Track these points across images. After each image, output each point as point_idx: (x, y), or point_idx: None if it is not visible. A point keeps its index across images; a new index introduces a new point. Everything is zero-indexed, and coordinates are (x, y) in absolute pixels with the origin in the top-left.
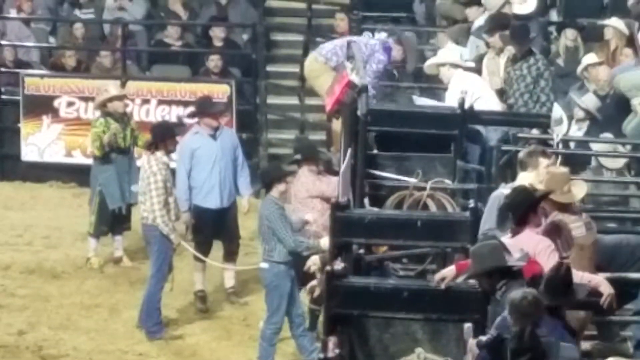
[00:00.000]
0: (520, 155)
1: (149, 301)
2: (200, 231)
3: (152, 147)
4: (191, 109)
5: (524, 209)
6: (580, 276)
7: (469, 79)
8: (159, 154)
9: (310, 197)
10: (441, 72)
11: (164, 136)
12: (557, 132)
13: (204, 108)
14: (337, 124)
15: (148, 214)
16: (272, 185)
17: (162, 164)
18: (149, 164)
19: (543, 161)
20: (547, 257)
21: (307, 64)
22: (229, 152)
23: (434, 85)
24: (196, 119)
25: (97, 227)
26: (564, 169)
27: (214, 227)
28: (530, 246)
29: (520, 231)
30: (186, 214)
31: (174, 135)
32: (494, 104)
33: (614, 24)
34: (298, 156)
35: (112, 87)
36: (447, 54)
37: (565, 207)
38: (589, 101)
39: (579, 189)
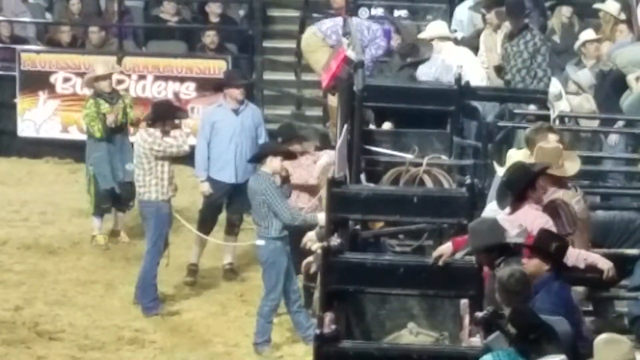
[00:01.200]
0: (527, 132)
1: (145, 277)
2: (209, 204)
3: (149, 121)
4: (189, 84)
5: (522, 186)
6: (577, 254)
7: (457, 51)
8: (154, 130)
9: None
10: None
11: (164, 116)
12: (557, 108)
13: (231, 80)
14: (332, 100)
15: (144, 190)
16: (265, 157)
17: (155, 137)
18: (143, 139)
19: (552, 137)
20: None
21: (304, 37)
22: (249, 129)
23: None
24: (223, 92)
25: (98, 207)
26: (555, 144)
27: (223, 202)
28: (527, 222)
29: (519, 207)
30: (205, 183)
31: (173, 117)
32: (477, 78)
33: (608, 8)
34: (279, 139)
35: (99, 66)
36: (436, 27)
37: (560, 182)
38: (583, 76)
39: (573, 163)
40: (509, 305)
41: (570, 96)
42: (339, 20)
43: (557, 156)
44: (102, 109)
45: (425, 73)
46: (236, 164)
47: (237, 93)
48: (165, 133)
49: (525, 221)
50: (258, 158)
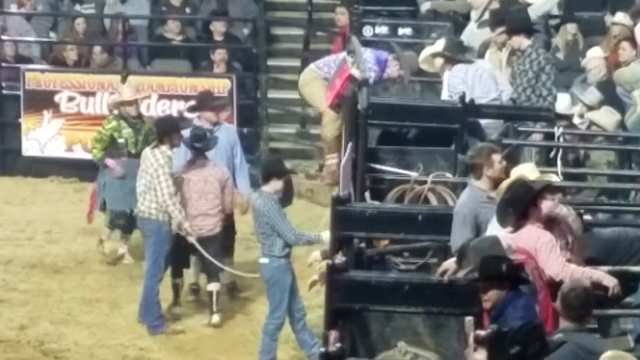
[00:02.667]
0: (468, 158)
1: (147, 295)
2: None
3: (156, 141)
4: (192, 103)
5: (524, 204)
6: (581, 271)
7: (461, 68)
8: (164, 147)
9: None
10: (435, 63)
11: (169, 130)
12: (574, 112)
13: (205, 102)
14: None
15: (145, 207)
16: (270, 179)
17: (168, 157)
18: (155, 158)
19: (496, 157)
20: (548, 252)
21: (301, 75)
22: (224, 149)
23: (434, 80)
24: (197, 113)
25: (112, 222)
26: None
27: None
28: (530, 241)
29: (521, 226)
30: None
31: (179, 129)
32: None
33: (621, 20)
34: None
35: (125, 90)
36: (439, 45)
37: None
38: (590, 95)
39: (551, 177)
40: (564, 318)
41: (591, 112)
42: (333, 56)
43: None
44: (124, 133)
45: (457, 76)
46: None
47: (211, 115)
48: (175, 146)
49: (528, 240)
50: (263, 179)
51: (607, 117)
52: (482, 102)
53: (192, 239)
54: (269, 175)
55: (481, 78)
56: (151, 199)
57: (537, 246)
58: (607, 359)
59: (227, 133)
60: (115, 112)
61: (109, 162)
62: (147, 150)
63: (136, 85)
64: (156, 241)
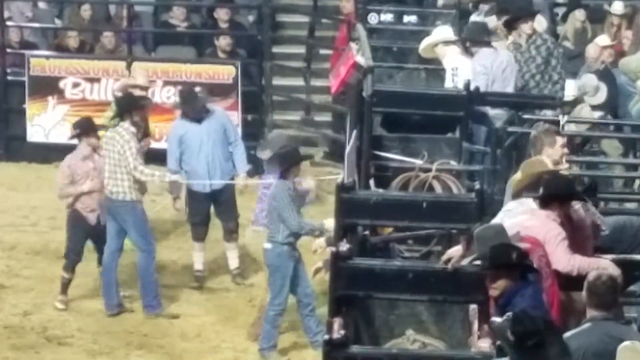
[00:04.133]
0: (535, 133)
1: (143, 275)
2: (195, 213)
3: (117, 118)
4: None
5: (560, 197)
6: (587, 263)
7: (460, 55)
8: (126, 124)
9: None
10: (436, 52)
11: (129, 107)
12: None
13: (184, 104)
14: None
15: (117, 189)
16: (290, 169)
17: (132, 133)
18: (120, 135)
19: (559, 139)
20: (555, 245)
21: None
22: (215, 134)
23: (439, 67)
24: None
25: None
26: (542, 159)
27: (208, 210)
28: (541, 233)
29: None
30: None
31: (138, 106)
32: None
33: (619, 10)
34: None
35: (140, 75)
36: (440, 32)
37: None
38: (586, 79)
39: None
40: (590, 307)
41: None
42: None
43: (545, 165)
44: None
45: (483, 64)
46: (210, 172)
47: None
48: (135, 124)
49: (539, 231)
50: (283, 173)
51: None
52: None
53: (182, 180)
54: (289, 167)
55: (504, 72)
56: (122, 178)
57: (547, 238)
58: (625, 349)
59: (217, 116)
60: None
61: None
62: (108, 133)
63: (147, 73)
64: (136, 221)
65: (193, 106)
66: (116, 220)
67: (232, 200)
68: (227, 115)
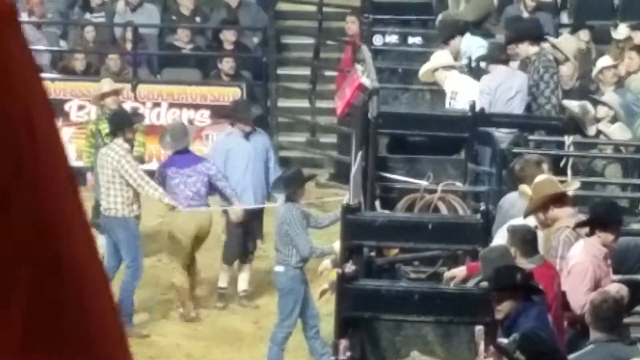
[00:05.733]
0: (518, 167)
1: (124, 290)
2: (234, 232)
3: (110, 135)
4: (204, 112)
5: (600, 223)
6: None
7: (460, 79)
8: (119, 141)
9: None
10: (436, 76)
11: (122, 124)
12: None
13: (237, 113)
14: None
15: (110, 205)
16: (296, 192)
17: (126, 150)
18: (114, 151)
19: (544, 166)
20: (579, 281)
21: None
22: (261, 153)
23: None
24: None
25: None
26: (547, 176)
27: (246, 226)
28: (576, 256)
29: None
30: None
31: (131, 123)
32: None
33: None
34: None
35: (105, 83)
36: (439, 57)
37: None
38: (611, 97)
39: (572, 186)
40: (594, 329)
41: (603, 122)
42: None
43: (555, 185)
44: (102, 127)
45: (490, 85)
46: (254, 188)
47: (245, 127)
48: (128, 141)
49: (575, 252)
50: (290, 195)
51: (619, 134)
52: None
53: (180, 208)
54: (296, 190)
55: (511, 99)
56: (115, 194)
57: (572, 267)
58: None
59: (262, 137)
60: (98, 111)
61: None
62: (102, 150)
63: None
64: (127, 237)
65: (246, 115)
66: (110, 236)
67: (261, 222)
68: (269, 140)
